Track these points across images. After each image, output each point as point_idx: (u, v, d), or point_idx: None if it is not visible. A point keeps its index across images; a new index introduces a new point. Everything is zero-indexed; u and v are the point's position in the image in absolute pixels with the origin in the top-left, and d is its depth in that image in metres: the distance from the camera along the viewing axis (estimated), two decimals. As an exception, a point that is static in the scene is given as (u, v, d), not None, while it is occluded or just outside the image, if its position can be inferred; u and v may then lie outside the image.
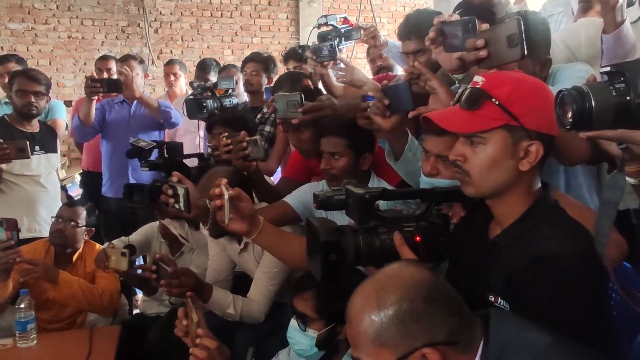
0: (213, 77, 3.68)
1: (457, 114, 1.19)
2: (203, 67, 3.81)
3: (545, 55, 1.62)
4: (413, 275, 0.98)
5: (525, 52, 1.19)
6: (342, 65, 2.18)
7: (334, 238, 1.25)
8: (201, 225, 2.18)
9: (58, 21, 6.20)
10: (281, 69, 3.34)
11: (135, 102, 3.46)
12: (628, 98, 0.88)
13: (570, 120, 0.92)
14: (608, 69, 0.93)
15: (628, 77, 0.89)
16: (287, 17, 6.99)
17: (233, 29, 6.77)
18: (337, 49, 2.12)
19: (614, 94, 0.89)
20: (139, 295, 3.16)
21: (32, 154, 2.81)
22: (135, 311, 3.12)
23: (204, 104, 2.69)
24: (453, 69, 1.50)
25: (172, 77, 4.22)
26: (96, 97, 3.21)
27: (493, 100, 1.13)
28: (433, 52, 1.56)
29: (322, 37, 2.34)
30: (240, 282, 2.31)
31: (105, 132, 3.44)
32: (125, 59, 3.56)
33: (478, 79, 1.19)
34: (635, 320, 1.28)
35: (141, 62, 3.59)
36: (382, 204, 1.38)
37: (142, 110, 3.45)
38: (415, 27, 1.99)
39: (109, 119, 3.43)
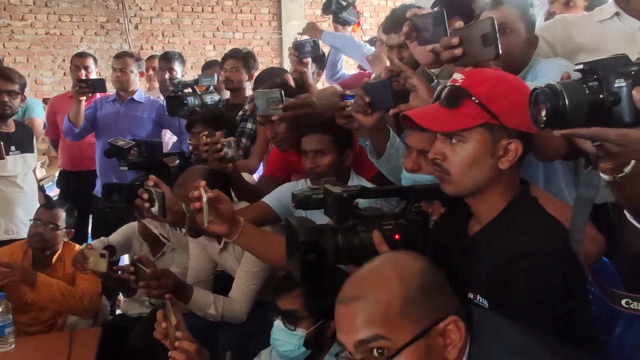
0: (178, 67, 3.63)
1: (437, 112, 1.18)
2: (167, 58, 3.73)
3: (532, 33, 1.65)
4: (410, 258, 1.03)
5: (500, 52, 1.18)
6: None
7: (312, 238, 1.24)
8: (179, 227, 2.16)
9: (35, 17, 6.09)
10: (261, 65, 3.33)
11: (126, 100, 3.43)
12: (601, 96, 0.88)
13: (544, 118, 0.91)
14: (581, 66, 0.92)
15: (601, 75, 0.88)
16: (269, 12, 6.95)
17: (214, 24, 6.71)
18: (319, 45, 2.11)
19: (587, 92, 0.88)
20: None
21: (7, 154, 2.78)
22: (118, 312, 3.09)
23: (185, 101, 2.66)
24: (428, 62, 1.50)
25: (152, 72, 4.17)
26: (84, 98, 3.14)
27: (473, 98, 1.13)
28: (409, 46, 1.56)
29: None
30: (222, 282, 2.29)
31: (96, 130, 3.39)
32: (120, 56, 3.52)
33: (457, 77, 1.18)
34: (613, 315, 1.28)
35: (137, 59, 3.54)
36: (361, 202, 1.37)
37: (132, 109, 3.41)
38: (401, 20, 2.00)
39: (100, 117, 3.38)
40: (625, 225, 1.25)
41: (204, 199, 1.40)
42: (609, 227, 1.41)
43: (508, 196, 1.19)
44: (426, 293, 0.94)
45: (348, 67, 3.80)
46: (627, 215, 1.13)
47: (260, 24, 6.89)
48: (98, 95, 3.53)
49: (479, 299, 1.16)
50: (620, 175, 0.98)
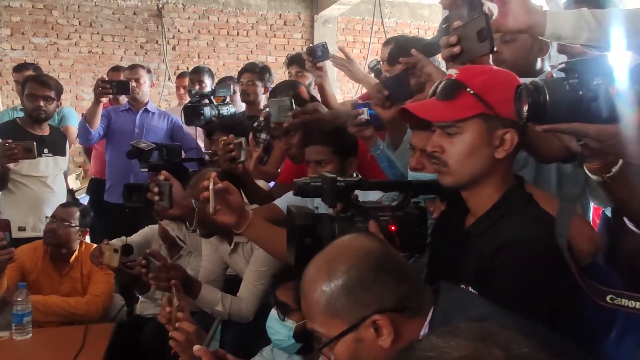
0: (207, 81, 3.79)
1: (434, 104, 1.23)
2: (197, 71, 3.93)
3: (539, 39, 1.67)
4: (363, 245, 1.00)
5: (494, 47, 1.22)
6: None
7: (309, 222, 1.28)
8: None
9: (80, 36, 6.41)
10: (277, 78, 3.42)
11: (140, 110, 3.55)
12: (580, 92, 0.93)
13: (526, 113, 0.95)
14: (563, 65, 0.97)
15: (581, 73, 0.94)
16: (302, 37, 7.13)
17: (249, 47, 6.92)
18: (328, 48, 2.19)
19: (567, 88, 0.93)
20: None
21: (40, 156, 2.89)
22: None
23: (202, 112, 2.75)
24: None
25: (182, 90, 4.33)
26: (105, 99, 3.25)
27: (468, 89, 1.16)
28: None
29: None
30: (234, 286, 2.32)
31: (109, 138, 3.50)
32: (133, 67, 3.67)
33: (452, 72, 1.23)
34: (609, 319, 1.26)
35: (148, 71, 3.69)
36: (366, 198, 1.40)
37: (146, 119, 3.54)
38: (403, 49, 2.11)
39: (114, 126, 3.48)
40: (622, 227, 1.25)
41: (211, 186, 1.45)
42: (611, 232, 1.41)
43: (502, 190, 1.20)
44: (351, 291, 0.94)
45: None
46: (626, 220, 1.14)
47: (293, 49, 7.03)
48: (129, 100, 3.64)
49: (470, 290, 1.17)
50: (608, 175, 1.00)
